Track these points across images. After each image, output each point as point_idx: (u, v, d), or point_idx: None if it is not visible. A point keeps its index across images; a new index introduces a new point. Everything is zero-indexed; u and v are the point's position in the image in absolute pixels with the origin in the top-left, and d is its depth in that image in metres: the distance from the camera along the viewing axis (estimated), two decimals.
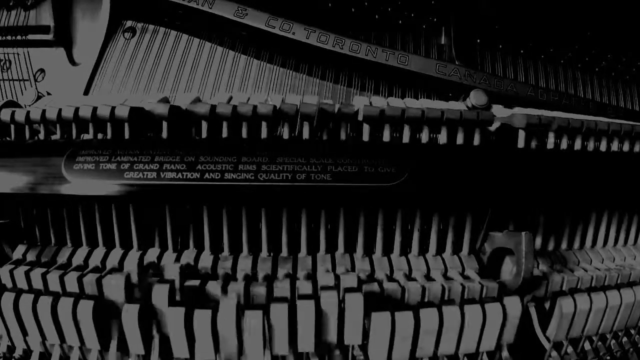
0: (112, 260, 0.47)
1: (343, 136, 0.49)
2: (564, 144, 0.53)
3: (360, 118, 0.48)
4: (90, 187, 0.43)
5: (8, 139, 0.51)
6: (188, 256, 0.48)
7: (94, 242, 0.49)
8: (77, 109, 0.49)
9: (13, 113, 0.50)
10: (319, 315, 0.38)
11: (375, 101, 0.54)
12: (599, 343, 0.49)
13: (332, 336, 0.39)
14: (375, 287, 0.42)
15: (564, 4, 0.72)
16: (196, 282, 0.42)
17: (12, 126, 0.51)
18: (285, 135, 0.49)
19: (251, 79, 0.67)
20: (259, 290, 0.42)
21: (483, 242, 0.50)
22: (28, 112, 0.50)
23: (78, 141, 0.46)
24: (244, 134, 0.48)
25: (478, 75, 0.64)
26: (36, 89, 0.63)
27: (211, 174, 0.42)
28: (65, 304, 0.39)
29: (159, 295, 0.39)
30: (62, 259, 0.48)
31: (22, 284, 0.45)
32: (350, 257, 0.48)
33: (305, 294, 0.40)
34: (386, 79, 0.68)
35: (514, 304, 0.41)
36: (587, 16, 0.73)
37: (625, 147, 0.55)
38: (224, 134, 0.48)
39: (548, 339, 0.45)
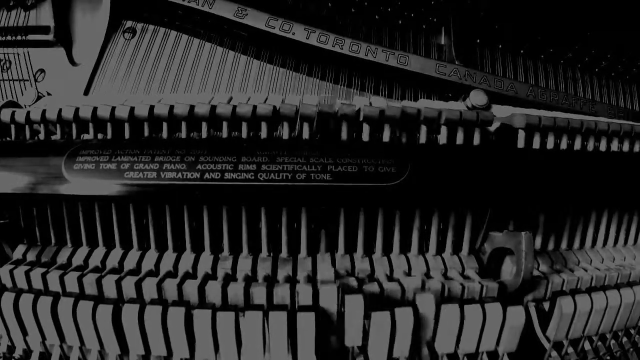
0: (112, 261, 0.47)
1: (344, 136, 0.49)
2: (563, 144, 0.53)
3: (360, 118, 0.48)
4: (91, 187, 0.43)
5: (8, 139, 0.51)
6: (187, 257, 0.48)
7: (94, 242, 0.49)
8: (77, 109, 0.49)
9: (13, 113, 0.50)
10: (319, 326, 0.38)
11: (375, 101, 0.54)
12: (599, 343, 0.49)
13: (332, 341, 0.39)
14: (375, 287, 0.42)
15: (564, 4, 0.72)
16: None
17: (13, 126, 0.51)
18: (285, 136, 0.49)
19: (251, 79, 0.67)
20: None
21: (483, 242, 0.50)
22: (28, 112, 0.50)
23: (78, 141, 0.46)
24: (244, 134, 0.48)
25: (478, 75, 0.64)
26: (36, 89, 0.64)
27: (211, 174, 0.42)
28: (65, 304, 0.39)
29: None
30: (62, 259, 0.48)
31: (22, 284, 0.45)
32: (350, 257, 0.48)
33: (305, 305, 0.40)
34: (386, 79, 0.68)
35: (517, 313, 0.41)
36: (587, 16, 0.73)
37: (625, 147, 0.55)
38: (224, 134, 0.48)
39: (548, 339, 0.45)
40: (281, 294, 0.42)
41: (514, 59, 0.73)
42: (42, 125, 0.50)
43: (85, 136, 0.50)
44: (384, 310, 0.38)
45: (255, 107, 0.47)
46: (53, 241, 0.50)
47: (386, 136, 0.48)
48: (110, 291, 0.43)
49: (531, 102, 0.65)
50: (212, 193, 0.42)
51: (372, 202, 0.45)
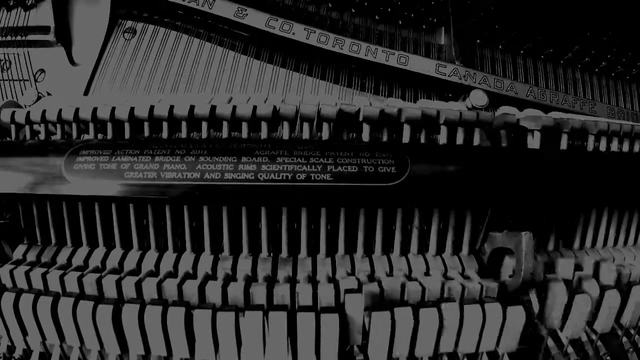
0: (112, 261, 0.47)
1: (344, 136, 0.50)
2: (563, 144, 0.53)
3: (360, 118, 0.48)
4: (90, 187, 0.43)
5: (8, 139, 0.51)
6: (187, 257, 0.48)
7: (94, 242, 0.49)
8: (77, 110, 0.49)
9: (13, 113, 0.50)
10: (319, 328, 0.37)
11: (375, 101, 0.54)
12: (599, 343, 0.49)
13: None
14: (375, 286, 0.42)
15: (564, 4, 0.72)
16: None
17: (13, 126, 0.51)
18: (285, 136, 0.49)
19: (251, 79, 0.67)
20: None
21: (483, 242, 0.50)
22: (28, 113, 0.50)
23: (78, 141, 0.46)
24: (244, 135, 0.48)
25: (478, 75, 0.64)
26: (36, 89, 0.64)
27: (211, 174, 0.42)
28: (65, 304, 0.39)
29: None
30: (62, 259, 0.48)
31: (22, 284, 0.45)
32: (350, 257, 0.48)
33: (306, 306, 0.40)
34: (386, 79, 0.68)
35: (517, 312, 0.40)
36: (586, 16, 0.74)
37: (625, 147, 0.55)
38: (224, 135, 0.48)
39: (544, 326, 0.45)
40: (281, 294, 0.42)
41: (514, 59, 0.73)
42: (42, 125, 0.50)
43: (86, 136, 0.50)
44: (383, 310, 0.38)
45: (255, 107, 0.47)
46: (53, 241, 0.50)
47: (386, 136, 0.48)
48: (110, 291, 0.43)
49: (531, 102, 0.65)
50: (212, 193, 0.42)
51: (372, 202, 0.45)
